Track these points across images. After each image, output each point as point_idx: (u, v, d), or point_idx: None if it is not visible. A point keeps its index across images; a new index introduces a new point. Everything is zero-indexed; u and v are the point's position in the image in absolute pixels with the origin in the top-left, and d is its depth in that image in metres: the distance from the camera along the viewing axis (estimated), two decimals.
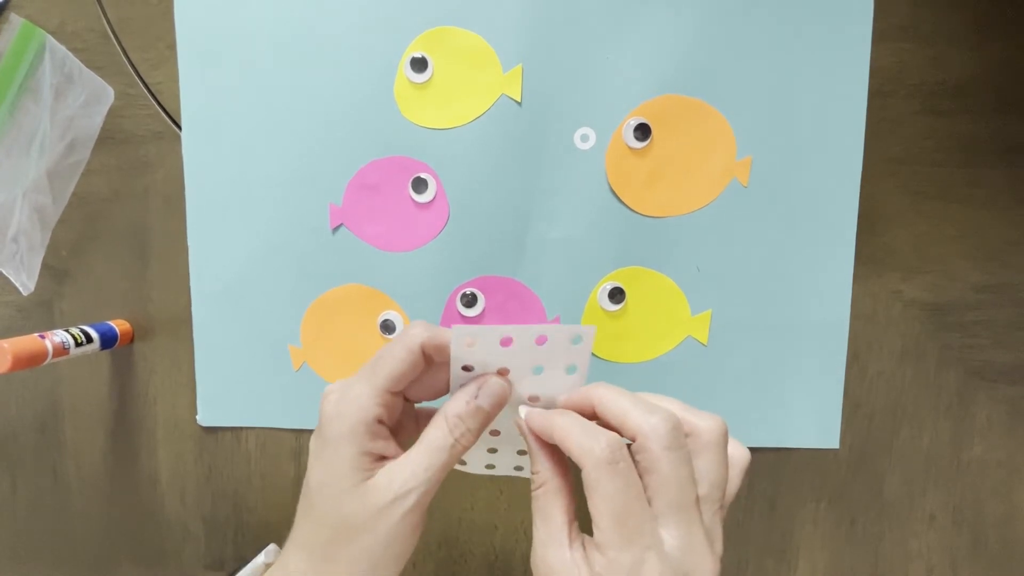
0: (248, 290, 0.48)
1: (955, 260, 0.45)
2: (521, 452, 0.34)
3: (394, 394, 0.31)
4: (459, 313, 0.46)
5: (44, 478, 0.53)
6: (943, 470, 0.47)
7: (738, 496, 0.47)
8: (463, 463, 0.34)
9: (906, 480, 0.47)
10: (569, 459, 0.28)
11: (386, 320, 0.47)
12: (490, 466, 0.35)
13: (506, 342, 0.29)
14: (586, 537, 0.28)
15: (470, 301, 0.46)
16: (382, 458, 0.30)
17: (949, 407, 0.46)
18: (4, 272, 0.50)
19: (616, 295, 0.45)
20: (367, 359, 0.44)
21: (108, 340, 0.48)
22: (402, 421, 0.33)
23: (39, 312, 0.51)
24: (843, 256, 0.45)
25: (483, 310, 0.46)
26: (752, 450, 0.47)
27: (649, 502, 0.26)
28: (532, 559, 0.29)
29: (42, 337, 0.43)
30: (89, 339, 0.46)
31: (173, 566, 0.52)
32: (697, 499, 0.27)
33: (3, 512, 0.53)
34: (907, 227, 0.45)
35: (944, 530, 0.47)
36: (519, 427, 0.30)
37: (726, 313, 0.46)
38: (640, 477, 0.27)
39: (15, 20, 0.47)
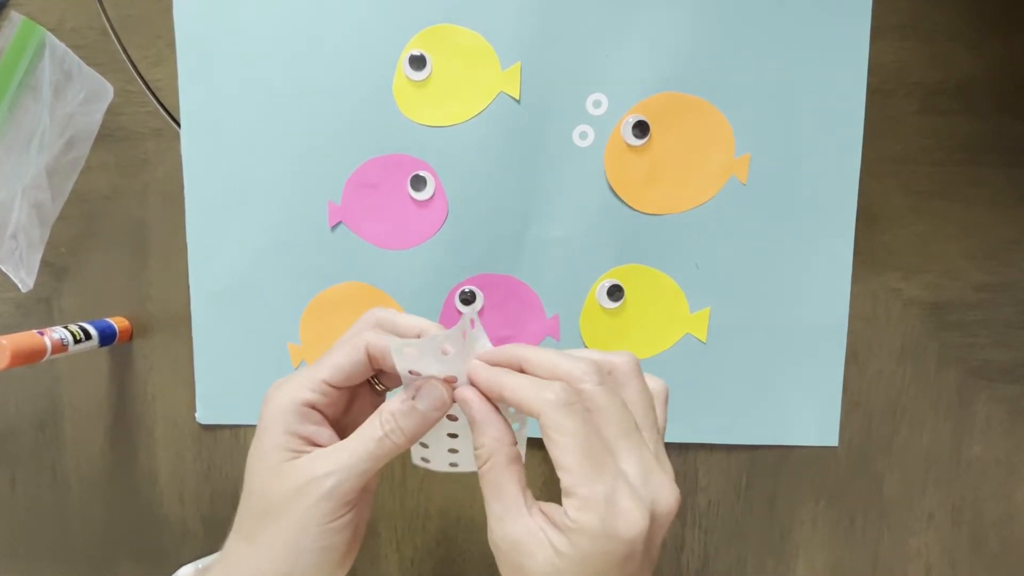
0: (247, 288, 0.48)
1: (955, 259, 0.45)
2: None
3: (337, 387, 0.31)
4: (458, 311, 0.46)
5: (43, 476, 0.53)
6: (942, 469, 0.47)
7: (736, 494, 0.48)
8: (426, 460, 0.34)
9: (905, 479, 0.47)
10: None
11: None
12: (453, 464, 0.35)
13: (446, 351, 0.29)
14: (542, 503, 0.28)
15: (469, 299, 0.46)
16: (314, 444, 0.31)
17: (949, 406, 0.46)
18: (3, 269, 0.50)
19: (615, 292, 0.45)
20: None
21: (107, 337, 0.48)
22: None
23: (38, 309, 0.51)
24: (842, 254, 0.45)
25: (482, 308, 0.46)
26: (751, 448, 0.47)
27: (600, 435, 0.27)
28: (490, 538, 0.29)
29: (41, 334, 0.43)
30: (88, 336, 0.46)
31: (172, 564, 0.52)
32: (636, 424, 0.28)
33: (2, 510, 0.53)
34: (907, 226, 0.45)
35: (943, 529, 0.47)
36: (461, 401, 0.30)
37: (725, 311, 0.46)
38: None
39: (15, 17, 0.47)
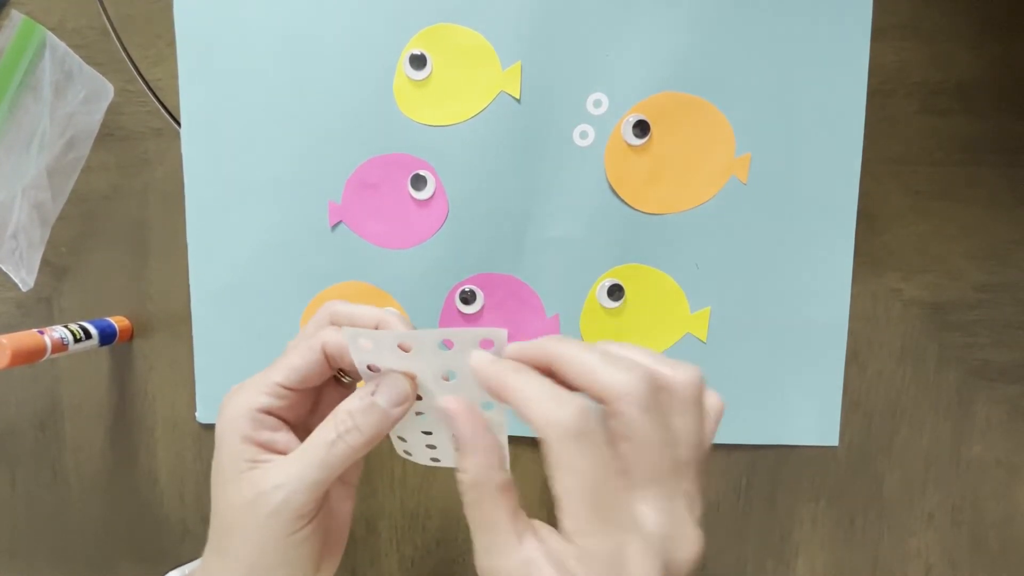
0: (247, 287, 0.48)
1: (955, 259, 0.45)
2: (485, 406, 0.29)
3: (294, 389, 0.29)
4: (458, 310, 0.46)
5: (43, 475, 0.53)
6: (942, 469, 0.47)
7: (736, 494, 0.48)
8: (408, 453, 0.33)
9: (905, 479, 0.47)
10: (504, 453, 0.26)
11: None
12: (435, 459, 0.33)
13: (404, 347, 0.27)
14: (538, 524, 0.25)
15: (469, 298, 0.46)
16: (274, 451, 0.28)
17: (949, 406, 0.46)
18: (3, 269, 0.50)
19: (615, 292, 0.45)
20: None
21: (107, 337, 0.48)
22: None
23: (38, 309, 0.51)
24: (842, 254, 0.45)
25: (482, 307, 0.46)
26: (751, 448, 0.47)
27: (624, 473, 0.23)
28: (477, 565, 0.25)
29: (41, 333, 0.43)
30: (88, 335, 0.46)
31: (172, 564, 0.52)
32: (677, 465, 0.24)
33: (2, 509, 0.54)
34: (907, 226, 0.45)
35: (943, 529, 0.47)
36: (443, 414, 0.26)
37: (725, 310, 0.46)
38: (613, 444, 0.23)
39: (15, 17, 0.47)
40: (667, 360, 0.26)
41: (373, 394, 0.28)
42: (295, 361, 0.29)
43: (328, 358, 0.29)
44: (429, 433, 0.31)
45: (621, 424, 0.23)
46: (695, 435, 0.25)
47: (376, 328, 0.30)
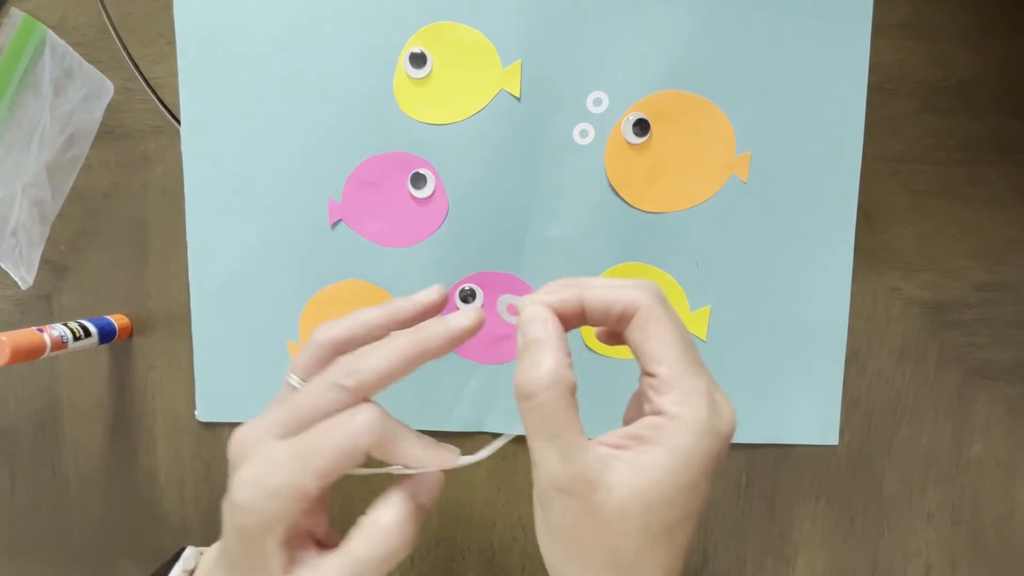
0: (247, 286, 0.48)
1: (955, 258, 0.45)
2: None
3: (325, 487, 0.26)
4: (458, 309, 0.46)
5: (42, 473, 0.53)
6: (942, 468, 0.47)
7: (736, 494, 0.48)
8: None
9: (905, 478, 0.47)
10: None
11: None
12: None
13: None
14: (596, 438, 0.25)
15: (468, 297, 0.46)
16: (308, 540, 0.27)
17: (949, 405, 0.46)
18: (3, 266, 0.50)
19: None
20: None
21: (106, 335, 0.48)
22: None
23: (38, 306, 0.51)
24: (842, 253, 0.45)
25: (481, 306, 0.46)
26: (751, 447, 0.47)
27: None
28: (545, 486, 0.25)
29: (40, 331, 0.43)
30: (87, 333, 0.46)
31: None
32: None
33: (1, 508, 0.53)
34: (907, 225, 0.45)
35: (943, 528, 0.47)
36: (527, 319, 0.26)
37: (725, 309, 0.46)
38: None
39: (15, 14, 0.47)
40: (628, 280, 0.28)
41: (416, 496, 0.27)
42: (331, 464, 0.25)
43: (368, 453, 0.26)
44: None
45: (654, 320, 0.26)
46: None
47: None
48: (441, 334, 0.28)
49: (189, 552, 0.38)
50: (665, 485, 0.24)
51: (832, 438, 0.46)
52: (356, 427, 0.25)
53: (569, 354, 0.26)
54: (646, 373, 0.26)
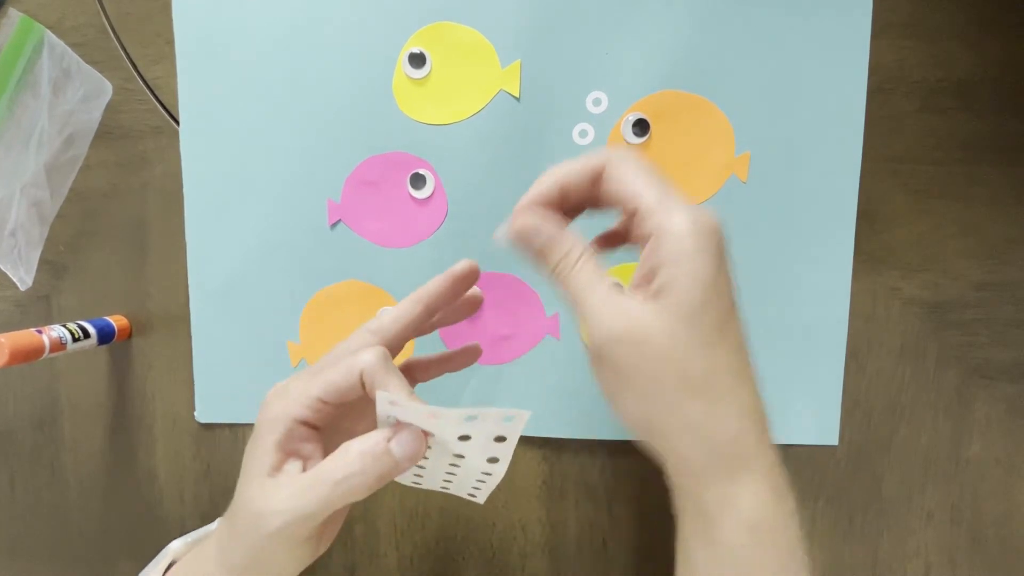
0: (246, 286, 0.48)
1: (955, 258, 0.45)
2: (492, 460, 0.30)
3: (331, 403, 0.30)
4: None
5: (42, 474, 0.53)
6: (942, 468, 0.47)
7: None
8: (418, 481, 0.33)
9: (905, 478, 0.47)
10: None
11: None
12: (447, 483, 0.33)
13: (433, 415, 0.28)
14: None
15: None
16: (298, 457, 0.31)
17: (948, 405, 0.46)
18: (2, 267, 0.50)
19: None
20: None
21: (105, 336, 0.48)
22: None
23: (37, 307, 0.51)
24: (842, 253, 0.45)
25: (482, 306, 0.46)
26: None
27: None
28: (598, 336, 0.27)
29: (39, 332, 0.43)
30: (86, 334, 0.46)
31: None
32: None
33: (1, 509, 0.53)
34: (907, 225, 0.45)
35: (942, 528, 0.47)
36: (523, 230, 0.29)
37: None
38: None
39: (14, 15, 0.47)
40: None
41: (389, 441, 0.29)
42: (335, 378, 0.30)
43: (363, 385, 0.30)
44: (459, 459, 0.31)
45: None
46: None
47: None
48: (440, 279, 0.33)
49: (173, 545, 0.40)
50: (690, 291, 0.26)
51: (832, 438, 0.46)
52: (360, 355, 0.30)
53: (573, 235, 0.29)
54: (629, 214, 0.28)
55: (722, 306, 0.27)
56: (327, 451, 0.30)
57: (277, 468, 0.30)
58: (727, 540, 0.27)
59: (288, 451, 0.30)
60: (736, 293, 0.28)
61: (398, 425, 0.29)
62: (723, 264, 0.27)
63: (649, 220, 0.27)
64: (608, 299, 0.27)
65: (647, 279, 0.27)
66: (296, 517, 0.29)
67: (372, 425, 0.30)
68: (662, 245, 0.26)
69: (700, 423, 0.27)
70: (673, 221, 0.26)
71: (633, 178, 0.28)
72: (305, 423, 0.31)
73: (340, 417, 0.32)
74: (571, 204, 0.30)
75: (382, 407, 0.29)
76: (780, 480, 0.28)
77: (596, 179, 0.29)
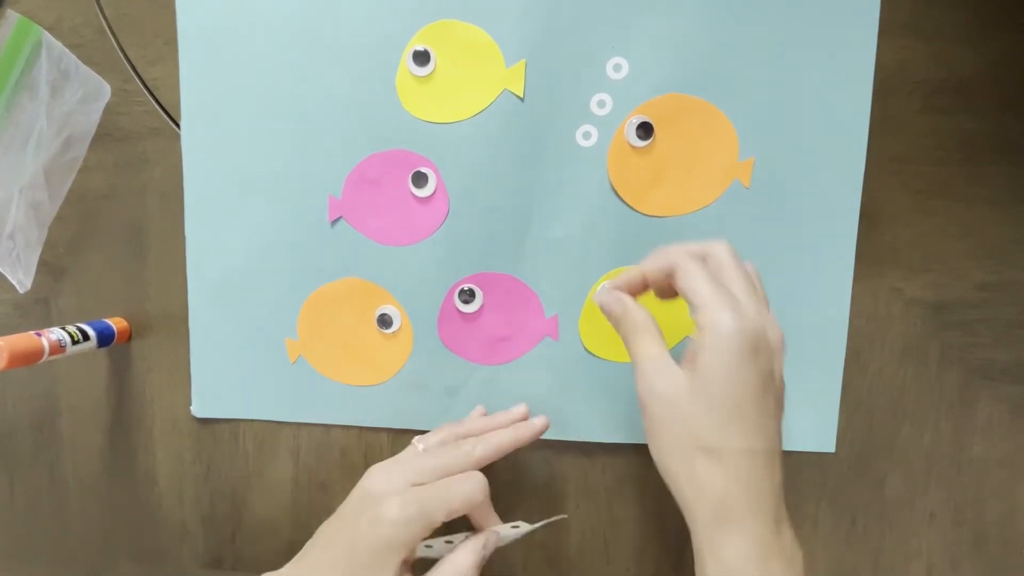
0: (245, 282, 0.47)
1: (957, 259, 0.45)
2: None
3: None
4: (457, 309, 0.46)
5: (41, 476, 0.52)
6: (944, 469, 0.47)
7: None
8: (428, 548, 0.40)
9: (906, 479, 0.47)
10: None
11: (383, 314, 0.47)
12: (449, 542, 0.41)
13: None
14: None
15: (468, 297, 0.46)
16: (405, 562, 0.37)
17: (950, 406, 0.46)
18: (0, 270, 0.50)
19: None
20: (363, 354, 0.47)
21: (105, 338, 0.47)
22: None
23: (36, 310, 0.50)
24: (843, 258, 0.45)
25: (481, 306, 0.46)
26: None
27: None
28: (648, 386, 0.34)
29: (38, 335, 0.43)
30: (86, 337, 0.46)
31: (171, 565, 0.52)
32: (748, 275, 0.35)
33: (0, 511, 0.53)
34: (909, 226, 0.45)
35: (945, 529, 0.47)
36: (610, 302, 0.38)
37: None
38: None
39: (11, 16, 0.47)
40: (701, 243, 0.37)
41: (483, 547, 0.38)
42: (455, 507, 0.36)
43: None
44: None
45: (705, 255, 0.37)
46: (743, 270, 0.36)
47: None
48: (528, 432, 0.42)
49: None
50: (715, 377, 0.32)
51: (829, 445, 0.46)
52: (474, 483, 0.37)
53: (641, 309, 0.37)
54: (692, 306, 0.34)
55: (742, 393, 0.32)
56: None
57: None
58: None
59: (404, 570, 0.37)
60: (769, 385, 0.33)
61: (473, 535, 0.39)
62: (749, 360, 0.32)
63: (702, 315, 0.33)
64: (658, 363, 0.34)
65: (691, 358, 0.33)
66: None
67: None
68: (705, 336, 0.32)
69: (700, 478, 0.33)
70: (717, 319, 0.32)
71: (695, 280, 0.33)
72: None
73: None
74: (647, 288, 0.39)
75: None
76: (772, 542, 0.33)
77: (671, 275, 0.35)
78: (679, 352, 0.46)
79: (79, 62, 0.47)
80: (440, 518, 0.35)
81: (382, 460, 0.40)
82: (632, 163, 0.44)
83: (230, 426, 0.50)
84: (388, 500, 0.36)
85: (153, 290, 0.49)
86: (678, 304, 0.45)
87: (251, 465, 0.50)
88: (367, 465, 0.40)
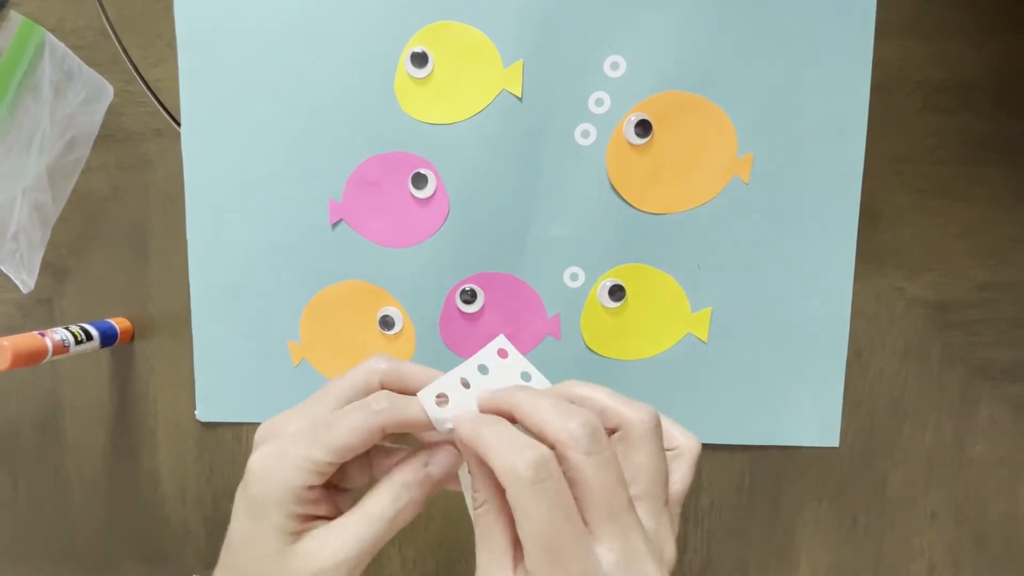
0: (247, 285, 0.48)
1: (958, 258, 0.45)
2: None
3: (338, 462, 0.28)
4: (458, 309, 0.46)
5: (44, 477, 0.53)
6: (945, 468, 0.46)
7: (739, 495, 0.47)
8: None
9: (908, 478, 0.47)
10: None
11: (385, 316, 0.47)
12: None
13: (465, 384, 0.29)
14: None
15: (469, 297, 0.46)
16: (314, 518, 0.28)
17: (952, 405, 0.46)
18: (4, 270, 0.50)
19: (616, 292, 0.45)
20: (366, 355, 0.44)
21: (108, 338, 0.48)
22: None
23: (39, 310, 0.51)
24: (844, 254, 0.45)
25: (482, 306, 0.46)
26: (753, 448, 0.47)
27: (578, 516, 0.24)
28: None
29: (42, 335, 0.43)
30: (89, 337, 0.46)
31: (174, 565, 0.52)
32: (630, 502, 0.25)
33: (3, 511, 0.53)
34: (910, 225, 0.45)
35: (946, 528, 0.47)
36: (460, 442, 0.27)
37: (726, 310, 0.45)
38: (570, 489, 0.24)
39: (14, 17, 0.47)
40: (623, 398, 0.28)
41: (427, 465, 0.29)
42: (350, 440, 0.28)
43: (383, 430, 0.28)
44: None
45: (569, 468, 0.24)
46: (651, 470, 0.26)
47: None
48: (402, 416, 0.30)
49: None
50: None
51: (833, 440, 0.46)
52: (374, 405, 0.28)
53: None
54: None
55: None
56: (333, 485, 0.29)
57: (297, 534, 0.28)
58: None
59: (304, 516, 0.28)
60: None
61: (429, 445, 0.30)
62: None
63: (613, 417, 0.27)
64: (503, 562, 0.26)
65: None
66: (362, 559, 0.27)
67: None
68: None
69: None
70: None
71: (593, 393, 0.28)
72: (313, 487, 0.28)
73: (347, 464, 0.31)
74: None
75: (434, 413, 0.28)
76: None
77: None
78: (679, 352, 0.46)
79: (82, 63, 0.48)
80: (323, 455, 0.27)
81: None
82: (631, 161, 0.44)
83: (232, 427, 0.50)
84: (260, 449, 0.29)
85: (156, 291, 0.49)
86: (674, 305, 0.46)
87: None
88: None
